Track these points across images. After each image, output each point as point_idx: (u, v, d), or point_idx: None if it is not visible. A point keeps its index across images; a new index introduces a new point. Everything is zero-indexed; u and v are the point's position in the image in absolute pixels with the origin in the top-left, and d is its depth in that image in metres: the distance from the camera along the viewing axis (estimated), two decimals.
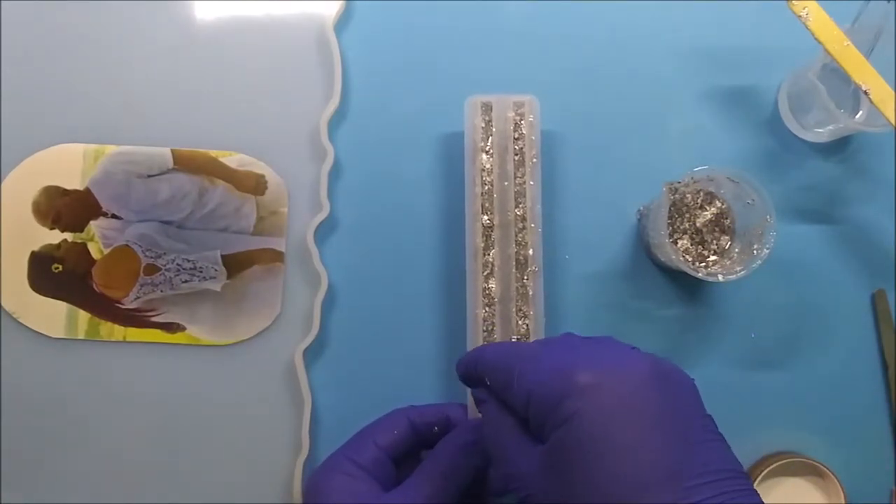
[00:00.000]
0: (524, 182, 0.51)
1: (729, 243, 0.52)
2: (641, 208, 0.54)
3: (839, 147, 0.55)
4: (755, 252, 0.48)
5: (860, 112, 0.54)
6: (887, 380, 0.53)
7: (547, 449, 0.36)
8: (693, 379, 0.37)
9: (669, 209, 0.51)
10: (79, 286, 0.53)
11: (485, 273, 0.50)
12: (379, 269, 0.54)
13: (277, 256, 0.53)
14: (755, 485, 0.50)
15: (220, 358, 0.53)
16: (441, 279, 0.53)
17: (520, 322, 0.50)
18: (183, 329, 0.53)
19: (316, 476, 0.46)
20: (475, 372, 0.42)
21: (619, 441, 0.33)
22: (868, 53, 0.48)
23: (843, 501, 0.51)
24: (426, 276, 0.53)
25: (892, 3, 0.48)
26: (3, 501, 0.52)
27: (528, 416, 0.37)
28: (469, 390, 0.46)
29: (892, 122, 0.47)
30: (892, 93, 0.47)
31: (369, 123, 0.55)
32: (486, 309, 0.50)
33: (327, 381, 0.53)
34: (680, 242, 0.52)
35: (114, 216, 0.54)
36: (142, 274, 0.53)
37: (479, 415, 0.49)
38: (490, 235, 0.50)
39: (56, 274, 0.53)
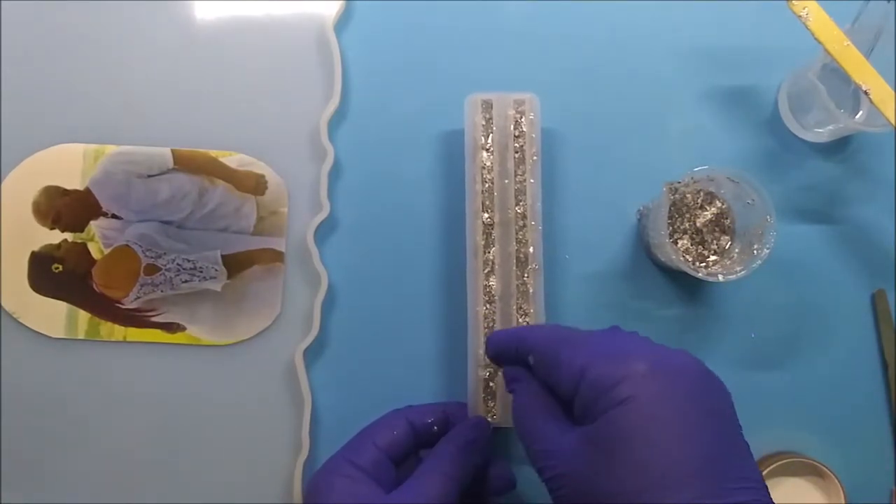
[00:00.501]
0: (524, 180, 0.51)
1: (729, 243, 0.52)
2: (641, 208, 0.54)
3: (839, 147, 0.55)
4: (755, 252, 0.48)
5: (860, 112, 0.54)
6: (887, 380, 0.53)
7: (594, 428, 0.35)
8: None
9: (669, 209, 0.51)
10: (79, 286, 0.53)
11: (485, 271, 0.50)
12: (379, 269, 0.54)
13: (277, 256, 0.53)
14: None
15: (220, 358, 0.53)
16: (441, 278, 0.53)
17: (520, 320, 0.50)
18: (183, 329, 0.53)
19: (316, 479, 0.46)
20: (517, 350, 0.42)
21: (671, 430, 0.34)
22: (868, 53, 0.48)
23: (843, 501, 0.51)
24: (426, 276, 0.53)
25: (892, 3, 0.48)
26: (3, 501, 0.52)
27: (576, 396, 0.37)
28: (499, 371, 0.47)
29: (892, 122, 0.47)
30: (892, 93, 0.47)
31: (369, 123, 0.55)
32: (487, 306, 0.50)
33: (327, 381, 0.53)
34: (680, 242, 0.52)
35: (114, 216, 0.54)
36: (142, 274, 0.53)
37: (481, 414, 0.49)
38: (490, 233, 0.50)
39: (56, 274, 0.53)
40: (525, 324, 0.50)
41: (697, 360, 0.37)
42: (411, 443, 0.47)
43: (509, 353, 0.43)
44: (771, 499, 0.35)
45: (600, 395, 0.35)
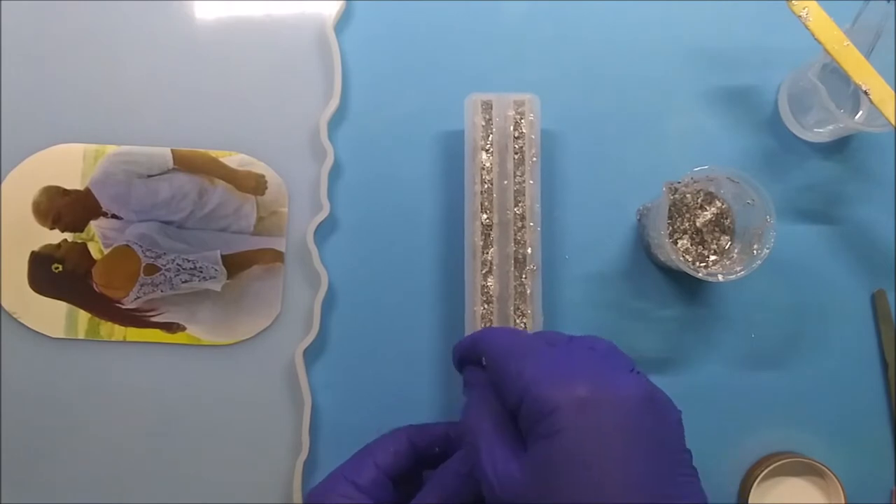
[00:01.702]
0: (524, 181, 0.51)
1: (729, 243, 0.52)
2: (641, 208, 0.54)
3: (839, 147, 0.55)
4: (755, 252, 0.48)
5: (860, 112, 0.54)
6: (887, 380, 0.53)
7: (530, 457, 0.35)
8: (680, 411, 0.37)
9: (669, 209, 0.51)
10: (79, 286, 0.53)
11: (483, 271, 0.50)
12: (379, 269, 0.54)
13: (277, 256, 0.53)
14: (755, 485, 0.51)
15: (220, 358, 0.53)
16: (441, 278, 0.53)
17: (518, 321, 0.50)
18: (183, 329, 0.53)
19: (314, 496, 0.45)
20: (473, 351, 0.42)
21: (605, 463, 0.34)
22: (868, 53, 0.48)
23: (843, 501, 0.51)
24: (426, 276, 0.53)
25: (892, 3, 0.48)
26: (3, 501, 0.52)
27: (518, 415, 0.37)
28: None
29: (892, 122, 0.47)
30: (892, 93, 0.47)
31: (369, 123, 0.55)
32: (485, 306, 0.50)
33: (327, 381, 0.53)
34: (680, 242, 0.52)
35: (114, 216, 0.54)
36: (142, 274, 0.53)
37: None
38: (489, 234, 0.50)
39: (56, 274, 0.53)
40: (522, 325, 0.50)
41: (646, 383, 0.36)
42: (412, 463, 0.46)
43: (470, 356, 0.43)
44: None
45: (539, 421, 0.35)
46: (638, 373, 0.37)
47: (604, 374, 0.36)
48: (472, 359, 0.43)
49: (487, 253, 0.50)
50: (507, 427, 0.38)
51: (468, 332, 0.50)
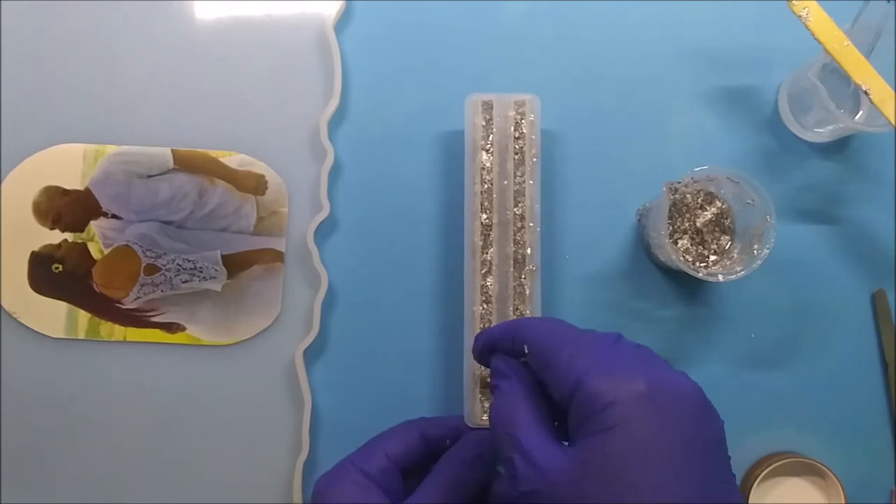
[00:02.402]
0: (524, 181, 0.51)
1: (729, 243, 0.52)
2: (641, 208, 0.54)
3: (839, 147, 0.55)
4: (755, 252, 0.48)
5: (860, 112, 0.54)
6: (887, 380, 0.53)
7: (582, 449, 0.34)
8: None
9: (669, 209, 0.51)
10: (79, 286, 0.53)
11: (483, 271, 0.50)
12: (379, 269, 0.54)
13: (277, 256, 0.53)
14: (755, 485, 0.51)
15: (220, 358, 0.53)
16: (441, 278, 0.53)
17: None
18: (183, 329, 0.53)
19: (323, 482, 0.45)
20: (512, 341, 0.40)
21: (662, 462, 0.33)
22: (868, 53, 0.48)
23: (843, 501, 0.51)
24: (426, 276, 0.54)
25: (892, 3, 0.48)
26: (3, 501, 0.52)
27: (570, 405, 0.35)
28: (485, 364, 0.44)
29: (892, 122, 0.47)
30: (892, 93, 0.47)
31: (369, 123, 0.55)
32: (484, 306, 0.50)
33: (327, 381, 0.53)
34: (680, 242, 0.52)
35: (114, 216, 0.54)
36: (142, 274, 0.53)
37: (477, 414, 0.48)
38: (489, 234, 0.50)
39: (56, 274, 0.53)
40: None
41: (697, 386, 0.36)
42: (423, 455, 0.46)
43: (503, 345, 0.41)
44: None
45: (593, 414, 0.34)
46: (686, 374, 0.36)
47: (659, 370, 0.35)
48: (507, 348, 0.41)
49: (487, 253, 0.50)
50: (547, 419, 0.37)
51: (468, 331, 0.50)
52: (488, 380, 0.49)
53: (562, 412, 0.37)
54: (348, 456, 0.46)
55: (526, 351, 0.39)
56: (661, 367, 0.36)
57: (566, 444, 0.36)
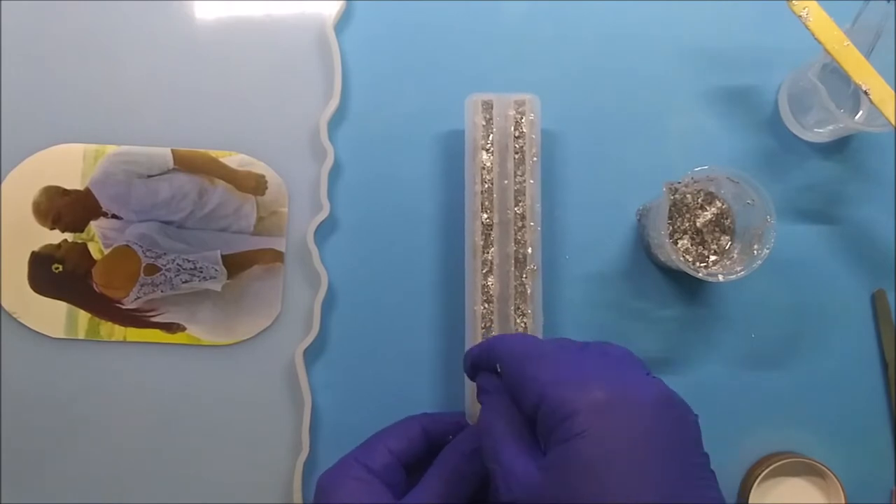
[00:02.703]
0: (524, 180, 0.51)
1: (729, 243, 0.52)
2: (641, 208, 0.54)
3: (839, 147, 0.55)
4: (755, 252, 0.48)
5: (860, 112, 0.54)
6: (887, 380, 0.53)
7: (550, 459, 0.35)
8: (697, 416, 0.37)
9: (669, 209, 0.51)
10: (79, 286, 0.53)
11: (484, 271, 0.50)
12: (379, 269, 0.54)
13: (277, 256, 0.53)
14: (755, 485, 0.51)
15: (220, 358, 0.53)
16: (441, 278, 0.53)
17: (518, 320, 0.50)
18: (183, 329, 0.53)
19: (326, 478, 0.45)
20: (487, 359, 0.42)
21: (624, 466, 0.33)
22: (868, 53, 0.48)
23: (843, 501, 0.51)
24: (426, 276, 0.53)
25: (892, 3, 0.48)
26: (3, 501, 0.52)
27: (536, 419, 0.37)
28: (469, 382, 0.45)
29: (892, 122, 0.47)
30: (892, 93, 0.47)
31: (369, 123, 0.55)
32: (485, 306, 0.50)
33: (327, 381, 0.53)
34: (680, 242, 0.52)
35: (114, 216, 0.54)
36: (142, 274, 0.53)
37: (477, 414, 0.48)
38: (489, 234, 0.50)
39: (56, 274, 0.53)
40: (523, 325, 0.50)
41: (663, 387, 0.36)
42: (425, 451, 0.47)
43: (483, 363, 0.43)
44: None
45: (557, 424, 0.35)
46: (653, 376, 0.37)
47: (620, 376, 0.36)
48: (486, 366, 0.42)
49: (488, 252, 0.50)
50: (524, 432, 0.38)
51: (468, 331, 0.50)
52: None
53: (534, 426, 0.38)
54: (351, 452, 0.46)
55: (498, 369, 0.41)
56: (625, 372, 0.37)
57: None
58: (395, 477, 0.45)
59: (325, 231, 0.53)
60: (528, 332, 0.50)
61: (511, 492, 0.36)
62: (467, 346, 0.50)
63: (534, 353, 0.39)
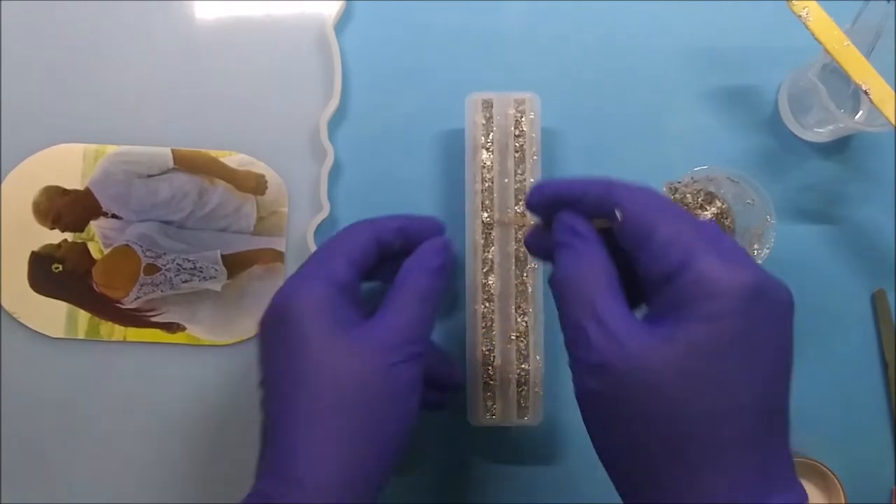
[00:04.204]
0: (524, 179, 0.51)
1: None
2: None
3: (839, 147, 0.55)
4: (755, 252, 0.48)
5: (860, 112, 0.54)
6: (887, 380, 0.53)
7: (674, 333, 0.31)
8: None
9: None
10: (79, 286, 0.53)
11: (484, 269, 0.50)
12: None
13: (278, 256, 0.53)
14: None
15: (220, 358, 0.53)
16: None
17: (518, 319, 0.50)
18: (183, 329, 0.53)
19: (287, 292, 0.39)
20: (600, 199, 0.35)
21: (760, 363, 0.31)
22: (868, 53, 0.48)
23: (843, 501, 0.50)
24: None
25: (892, 3, 0.48)
26: (3, 501, 0.52)
27: (667, 284, 0.32)
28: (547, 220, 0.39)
29: (892, 122, 0.47)
30: (892, 93, 0.47)
31: (369, 123, 0.55)
32: (486, 305, 0.50)
33: None
34: None
35: (114, 216, 0.54)
36: (142, 274, 0.53)
37: (483, 421, 0.48)
38: (490, 232, 0.50)
39: (56, 274, 0.53)
40: (524, 324, 0.50)
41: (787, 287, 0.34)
42: (376, 260, 0.42)
43: (586, 202, 0.36)
44: None
45: (696, 299, 0.31)
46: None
47: (761, 269, 0.33)
48: (590, 206, 0.36)
49: (488, 251, 0.50)
50: (622, 291, 0.34)
51: (469, 332, 0.50)
52: (490, 382, 0.49)
53: (646, 291, 0.34)
54: (308, 266, 0.41)
55: (619, 216, 0.34)
56: (754, 264, 0.33)
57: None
58: (356, 290, 0.40)
59: (325, 231, 0.53)
60: (529, 331, 0.50)
61: (605, 353, 0.32)
62: (468, 345, 0.50)
63: (674, 212, 0.34)
